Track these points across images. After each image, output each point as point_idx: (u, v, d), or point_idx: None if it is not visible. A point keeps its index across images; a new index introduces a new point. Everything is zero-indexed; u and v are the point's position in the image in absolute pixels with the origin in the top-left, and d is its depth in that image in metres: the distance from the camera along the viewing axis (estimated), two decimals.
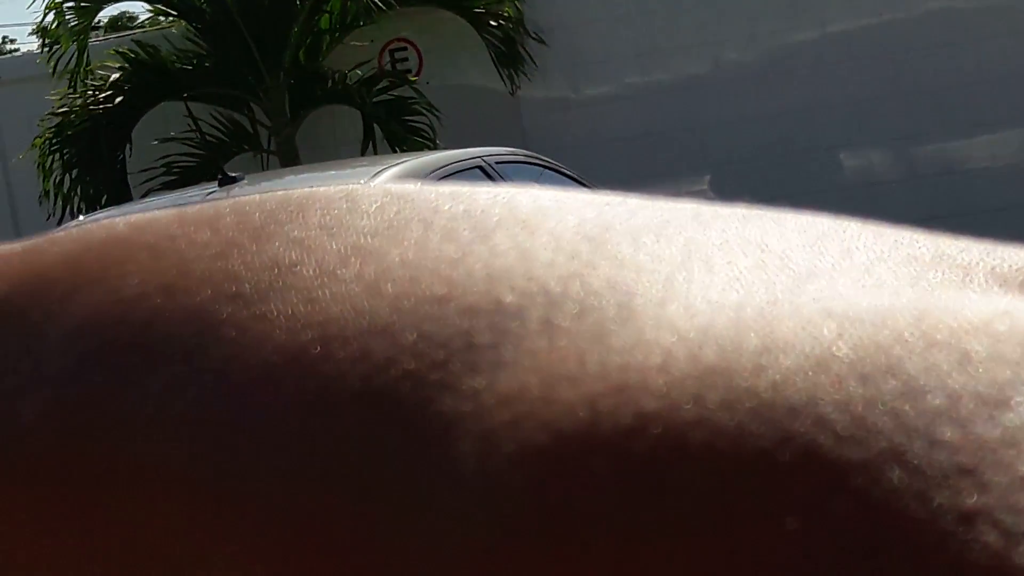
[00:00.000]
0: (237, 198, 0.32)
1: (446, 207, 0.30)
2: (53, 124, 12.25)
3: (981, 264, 0.27)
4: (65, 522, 0.30)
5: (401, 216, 0.30)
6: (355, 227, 0.30)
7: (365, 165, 6.69)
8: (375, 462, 0.26)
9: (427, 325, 0.27)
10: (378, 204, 0.31)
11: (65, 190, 12.10)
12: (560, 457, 0.24)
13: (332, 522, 0.26)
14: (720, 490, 0.23)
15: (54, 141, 12.16)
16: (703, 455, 0.23)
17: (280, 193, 0.32)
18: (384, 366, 0.27)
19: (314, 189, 0.32)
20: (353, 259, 0.29)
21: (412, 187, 0.32)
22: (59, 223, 10.96)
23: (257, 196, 0.32)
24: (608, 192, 0.31)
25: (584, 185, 7.45)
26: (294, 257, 0.30)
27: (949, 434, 0.22)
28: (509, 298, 0.27)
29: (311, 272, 0.29)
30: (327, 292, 0.29)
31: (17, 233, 13.16)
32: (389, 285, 0.28)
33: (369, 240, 0.30)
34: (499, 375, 0.26)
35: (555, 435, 0.24)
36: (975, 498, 0.21)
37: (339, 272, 0.29)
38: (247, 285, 0.29)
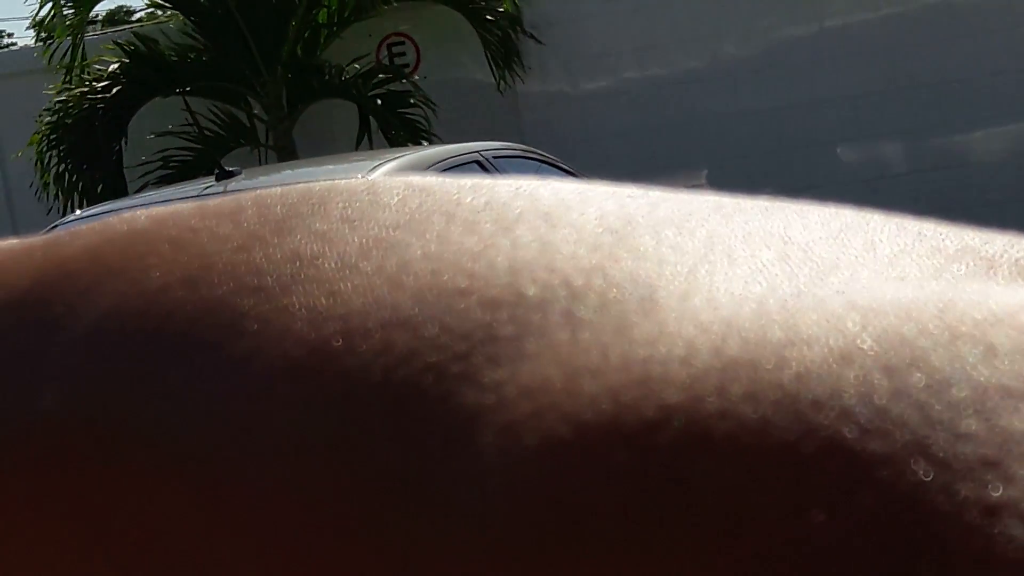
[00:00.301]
0: (259, 191, 0.32)
1: (468, 200, 0.30)
2: (50, 120, 12.24)
3: (1005, 256, 0.27)
4: (79, 511, 0.30)
5: (423, 209, 0.30)
6: (377, 220, 0.30)
7: (363, 159, 6.68)
8: (397, 455, 0.26)
9: (449, 318, 0.27)
10: (400, 197, 0.31)
11: (65, 185, 12.08)
12: (582, 450, 0.24)
13: (353, 516, 0.26)
14: (744, 483, 0.22)
15: (51, 137, 12.15)
16: (726, 448, 0.23)
17: (302, 186, 0.32)
18: (406, 359, 0.27)
19: (336, 182, 0.32)
20: (375, 252, 0.29)
21: (434, 180, 0.32)
22: (61, 215, 10.97)
23: (278, 189, 0.32)
24: (628, 185, 0.31)
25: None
26: (316, 250, 0.30)
27: (974, 426, 0.22)
28: (531, 291, 0.27)
29: (333, 265, 0.29)
30: (349, 285, 0.29)
31: (14, 229, 13.16)
32: (411, 278, 0.28)
33: (391, 233, 0.30)
34: (521, 368, 0.26)
35: (577, 428, 0.24)
36: (1001, 491, 0.21)
37: (361, 265, 0.29)
38: (269, 278, 0.29)
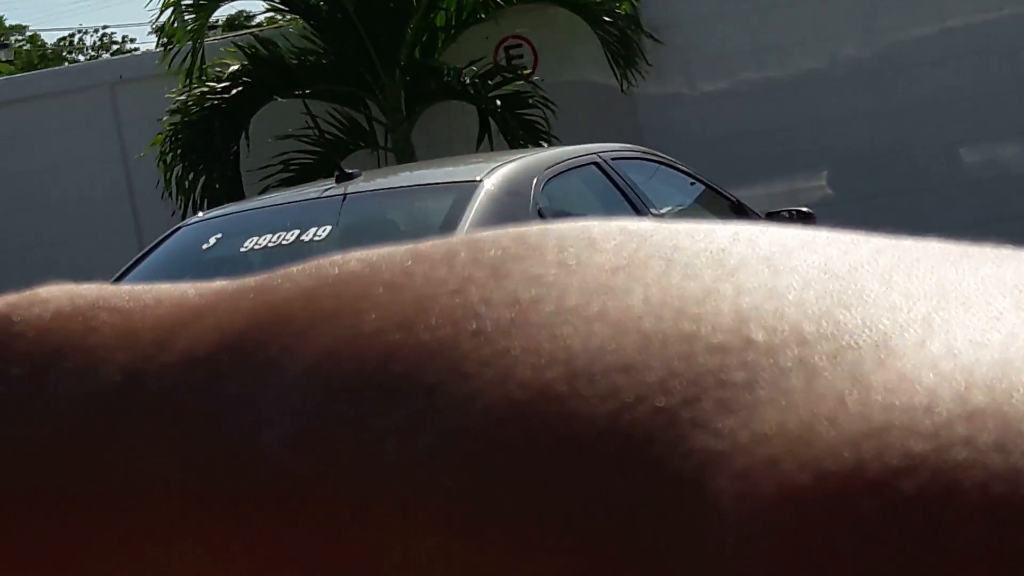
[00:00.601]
0: (471, 235, 0.33)
1: (686, 245, 0.30)
2: (173, 121, 12.41)
3: None
4: (298, 551, 0.30)
5: (640, 253, 0.30)
6: (594, 264, 0.30)
7: (481, 161, 6.70)
8: (627, 500, 0.26)
9: (676, 363, 0.27)
10: (616, 241, 0.31)
11: (186, 186, 12.24)
12: (824, 498, 0.24)
13: (585, 563, 0.26)
14: (999, 533, 0.22)
15: (174, 137, 12.32)
16: (978, 497, 0.23)
17: (513, 230, 0.32)
18: (633, 404, 0.27)
19: (548, 226, 0.32)
20: (595, 296, 0.29)
21: (648, 224, 0.32)
22: (183, 217, 11.14)
23: (491, 233, 0.33)
24: (845, 231, 0.31)
25: (700, 182, 7.41)
26: (534, 294, 0.30)
27: None
28: (760, 337, 0.27)
29: (552, 309, 0.29)
30: (570, 329, 0.29)
31: (138, 230, 13.35)
32: (633, 323, 0.28)
33: (610, 277, 0.30)
34: (754, 414, 0.26)
35: (818, 476, 0.24)
36: None
37: (581, 309, 0.29)
38: (487, 321, 0.30)
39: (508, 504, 0.27)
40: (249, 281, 0.35)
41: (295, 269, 0.34)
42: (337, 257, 0.34)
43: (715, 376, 0.27)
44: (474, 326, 0.30)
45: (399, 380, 0.30)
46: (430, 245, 0.33)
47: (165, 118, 12.41)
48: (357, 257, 0.34)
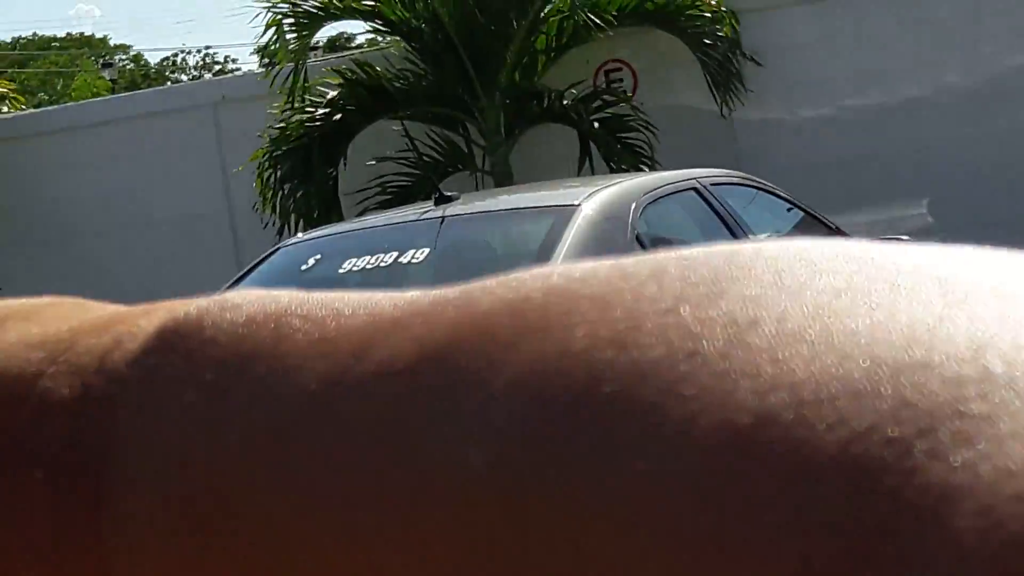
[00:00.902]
0: (679, 252, 0.32)
1: (908, 268, 0.29)
2: (272, 139, 12.53)
3: None
4: (502, 568, 0.30)
5: (862, 276, 0.29)
6: (814, 287, 0.29)
7: (579, 185, 6.68)
8: (861, 533, 0.25)
9: (908, 392, 0.26)
10: (834, 263, 0.30)
11: (287, 206, 12.36)
12: None
13: None
14: None
15: (273, 154, 12.44)
16: None
17: (725, 248, 0.32)
18: (864, 433, 0.26)
19: (760, 245, 0.31)
20: (817, 320, 0.28)
21: (867, 246, 0.31)
22: (278, 235, 11.25)
23: (700, 251, 0.32)
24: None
25: (799, 208, 7.36)
26: (752, 315, 0.29)
27: None
28: (999, 368, 0.26)
29: (772, 331, 0.28)
30: (792, 352, 0.28)
31: (237, 247, 13.48)
32: (861, 349, 0.27)
33: (832, 301, 0.29)
34: (997, 448, 0.25)
35: None
36: None
37: (803, 333, 0.28)
38: (704, 342, 0.29)
39: (733, 533, 0.27)
40: (446, 293, 0.34)
41: (494, 282, 0.34)
42: (538, 271, 0.33)
43: (952, 407, 0.26)
44: (690, 346, 0.29)
45: (611, 400, 0.29)
46: (635, 261, 0.32)
47: (264, 133, 12.53)
48: (559, 272, 0.33)
